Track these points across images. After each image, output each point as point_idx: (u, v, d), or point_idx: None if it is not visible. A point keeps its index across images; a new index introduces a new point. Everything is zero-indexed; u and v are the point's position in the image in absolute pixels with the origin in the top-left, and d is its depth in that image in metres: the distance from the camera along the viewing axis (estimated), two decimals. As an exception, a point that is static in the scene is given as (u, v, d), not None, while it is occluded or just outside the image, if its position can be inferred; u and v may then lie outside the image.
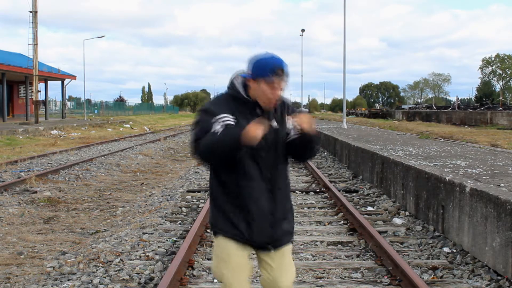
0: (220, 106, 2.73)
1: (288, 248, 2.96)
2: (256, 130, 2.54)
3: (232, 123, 2.67)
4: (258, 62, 2.70)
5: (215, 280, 4.82)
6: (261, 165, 2.78)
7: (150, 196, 10.10)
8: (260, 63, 2.69)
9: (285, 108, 2.86)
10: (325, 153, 17.56)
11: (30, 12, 31.37)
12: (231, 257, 2.82)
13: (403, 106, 79.27)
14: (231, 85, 2.80)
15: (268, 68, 2.66)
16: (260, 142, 2.63)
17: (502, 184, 5.93)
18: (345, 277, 5.00)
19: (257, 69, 2.69)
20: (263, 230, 2.79)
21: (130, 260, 5.48)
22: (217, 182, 2.84)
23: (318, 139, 2.86)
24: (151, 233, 6.65)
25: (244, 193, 2.76)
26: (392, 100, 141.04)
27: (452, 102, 73.78)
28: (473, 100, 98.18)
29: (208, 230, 6.59)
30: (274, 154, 2.81)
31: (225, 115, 2.68)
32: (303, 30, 56.90)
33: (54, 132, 28.03)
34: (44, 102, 44.65)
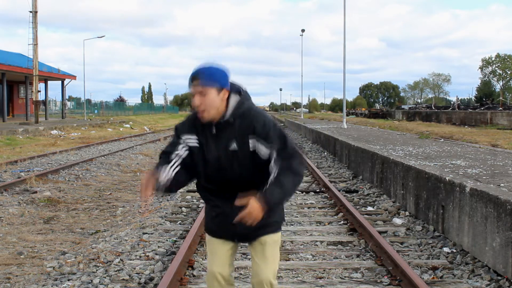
0: (185, 126, 2.87)
1: (269, 240, 2.94)
2: (143, 188, 2.76)
3: (195, 145, 2.82)
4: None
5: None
6: (216, 182, 2.87)
7: (150, 196, 10.08)
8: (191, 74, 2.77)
9: (249, 126, 2.73)
10: (325, 153, 17.56)
11: (30, 12, 31.38)
12: (214, 247, 3.04)
13: (403, 106, 79.28)
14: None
15: (190, 78, 2.73)
16: (217, 163, 2.78)
17: (502, 184, 5.93)
18: (345, 277, 5.00)
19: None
20: (225, 228, 2.92)
21: (130, 260, 5.48)
22: (198, 186, 3.04)
23: (281, 198, 2.75)
24: (151, 233, 6.65)
25: (209, 198, 2.97)
26: (392, 100, 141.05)
27: (452, 102, 73.76)
28: (473, 100, 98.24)
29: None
30: (231, 172, 2.80)
31: (188, 136, 2.84)
32: (303, 30, 56.84)
33: (54, 132, 28.03)
34: (44, 102, 44.64)
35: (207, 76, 2.68)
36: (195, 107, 2.71)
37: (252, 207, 2.62)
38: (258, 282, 2.96)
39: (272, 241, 2.96)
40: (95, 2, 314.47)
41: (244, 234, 2.93)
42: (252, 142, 2.73)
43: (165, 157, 2.87)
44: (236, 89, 2.77)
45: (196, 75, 2.68)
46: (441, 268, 5.22)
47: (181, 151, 2.84)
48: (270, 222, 2.91)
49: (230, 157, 2.76)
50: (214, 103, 2.69)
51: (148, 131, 35.01)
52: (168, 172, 2.77)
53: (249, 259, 5.20)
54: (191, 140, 2.84)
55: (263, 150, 2.73)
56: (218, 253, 3.03)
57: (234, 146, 2.74)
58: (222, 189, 2.87)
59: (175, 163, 2.82)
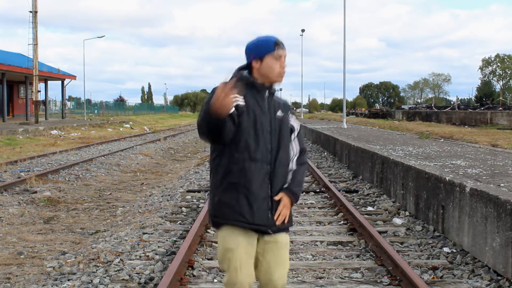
0: (236, 86, 2.67)
1: (284, 239, 2.95)
2: (222, 95, 2.46)
3: (241, 104, 2.73)
4: (260, 41, 2.86)
5: (215, 280, 4.83)
6: (267, 147, 2.83)
7: (150, 196, 10.10)
8: (263, 41, 2.86)
9: (285, 106, 3.01)
10: (325, 153, 17.56)
11: (30, 12, 31.37)
12: (240, 245, 2.81)
13: (403, 106, 79.29)
14: (238, 74, 2.85)
15: (271, 43, 2.84)
16: (263, 123, 2.80)
17: (502, 184, 5.93)
18: (345, 277, 5.00)
19: (262, 48, 2.84)
20: (262, 213, 2.81)
21: (130, 260, 5.48)
22: (220, 166, 2.82)
23: (300, 191, 3.03)
24: (151, 233, 6.65)
25: (245, 174, 2.77)
26: (392, 100, 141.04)
27: (452, 102, 73.78)
28: (473, 100, 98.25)
29: (209, 230, 6.60)
30: (279, 137, 2.88)
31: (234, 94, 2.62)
32: (303, 30, 56.80)
33: (54, 132, 28.03)
34: (44, 102, 44.65)
35: None
36: (282, 68, 2.86)
37: (287, 202, 2.89)
38: (269, 284, 2.90)
39: (287, 242, 2.99)
40: (94, 2, 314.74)
41: (276, 224, 2.87)
42: (289, 117, 2.99)
43: None
44: None
45: (281, 42, 2.89)
46: (441, 268, 5.22)
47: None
48: (290, 216, 2.98)
49: (277, 120, 2.88)
50: None
51: (148, 131, 35.01)
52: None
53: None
54: (238, 98, 2.70)
55: (296, 123, 3.02)
56: (248, 252, 2.83)
57: (280, 112, 2.92)
58: (267, 159, 2.81)
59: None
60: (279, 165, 2.86)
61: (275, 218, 2.83)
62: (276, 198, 2.83)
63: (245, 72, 2.87)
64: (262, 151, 2.80)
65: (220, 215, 2.83)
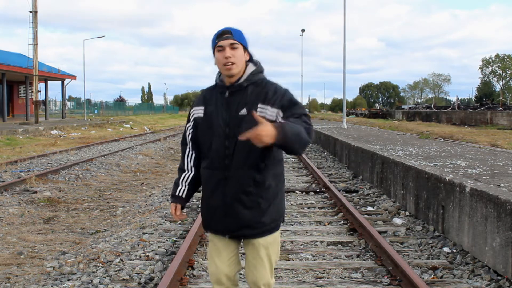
0: (197, 100, 2.94)
1: (261, 243, 2.83)
2: (174, 214, 2.95)
3: (200, 115, 2.86)
4: (212, 39, 2.79)
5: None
6: (220, 153, 2.75)
7: (150, 196, 10.10)
8: (212, 38, 2.78)
9: (260, 94, 2.72)
10: (325, 153, 17.56)
11: (30, 12, 31.38)
12: (215, 248, 2.92)
13: (403, 106, 79.26)
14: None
15: (214, 38, 2.76)
16: (217, 127, 2.76)
17: (502, 184, 5.93)
18: (345, 277, 5.00)
19: (212, 44, 2.78)
20: (218, 219, 2.83)
21: (130, 260, 5.48)
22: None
23: (295, 138, 2.51)
24: (151, 233, 6.65)
25: (204, 182, 2.89)
26: (392, 100, 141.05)
27: (452, 102, 73.76)
28: (473, 100, 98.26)
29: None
30: (236, 141, 2.68)
31: (194, 108, 2.91)
32: (303, 30, 56.88)
33: (54, 132, 28.04)
34: (44, 102, 44.66)
35: (238, 33, 2.75)
36: (225, 58, 2.69)
37: (264, 127, 2.41)
38: (252, 284, 2.90)
39: (268, 244, 2.85)
40: (93, 2, 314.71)
41: (236, 230, 2.80)
42: (260, 108, 2.69)
43: (181, 163, 3.01)
44: (254, 60, 2.84)
45: (228, 30, 2.74)
46: (441, 268, 5.22)
47: (189, 131, 2.95)
48: (267, 221, 2.80)
49: (238, 122, 2.69)
50: (242, 59, 2.75)
51: (148, 131, 35.01)
52: (183, 185, 2.95)
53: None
54: (198, 111, 2.88)
55: (269, 110, 2.67)
56: (221, 249, 2.90)
57: (243, 111, 2.70)
58: (224, 163, 2.74)
59: (189, 152, 2.96)
60: (235, 169, 2.71)
61: (239, 137, 2.57)
62: (242, 137, 2.50)
63: (219, 73, 2.84)
64: (215, 158, 2.76)
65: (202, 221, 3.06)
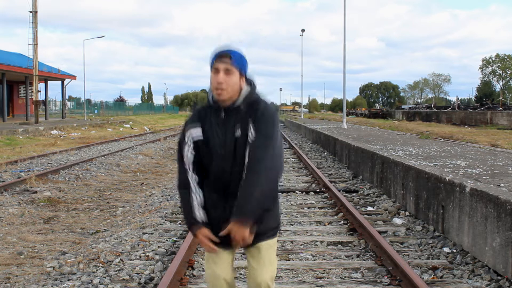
0: (191, 118, 2.83)
1: (265, 246, 2.87)
2: (206, 246, 2.78)
3: (199, 138, 2.76)
4: (210, 55, 2.73)
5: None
6: (217, 173, 2.77)
7: (150, 196, 10.10)
8: (210, 55, 2.72)
9: (253, 114, 2.71)
10: (325, 153, 17.56)
11: (30, 12, 31.37)
12: (214, 256, 2.89)
13: (403, 106, 79.23)
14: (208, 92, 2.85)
15: (213, 56, 2.70)
16: (215, 148, 2.73)
17: (502, 184, 5.93)
18: (345, 277, 5.00)
19: (210, 61, 2.72)
20: (217, 234, 2.80)
21: (130, 260, 5.48)
22: None
23: (262, 205, 2.68)
24: (151, 233, 6.65)
25: (206, 200, 2.83)
26: (392, 100, 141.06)
27: (452, 102, 73.75)
28: (473, 100, 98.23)
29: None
30: (233, 162, 2.73)
31: (191, 130, 2.78)
32: (303, 30, 56.77)
33: (54, 132, 28.04)
34: (44, 102, 44.66)
35: (238, 58, 2.69)
36: (217, 83, 2.65)
37: (234, 231, 2.65)
38: (255, 285, 2.92)
39: (268, 246, 2.90)
40: (93, 2, 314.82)
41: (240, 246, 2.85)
42: (251, 126, 2.70)
43: (185, 185, 2.82)
44: (248, 80, 2.80)
45: (228, 52, 2.67)
46: (441, 268, 5.22)
47: (190, 153, 2.80)
48: (265, 230, 2.85)
49: (233, 143, 2.71)
50: (235, 86, 2.69)
51: (148, 131, 35.01)
52: (199, 209, 2.80)
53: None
54: (195, 132, 2.78)
55: (251, 133, 2.69)
56: (220, 254, 2.90)
57: (238, 132, 2.71)
58: (222, 181, 2.77)
59: (192, 175, 2.81)
60: (234, 186, 2.73)
61: (220, 234, 2.73)
62: (222, 233, 2.70)
63: (211, 94, 2.78)
64: (216, 177, 2.78)
65: None
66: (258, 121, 2.68)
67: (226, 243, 2.79)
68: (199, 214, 2.78)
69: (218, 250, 2.85)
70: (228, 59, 2.65)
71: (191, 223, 2.79)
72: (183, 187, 2.82)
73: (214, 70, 2.67)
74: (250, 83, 2.79)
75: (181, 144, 2.83)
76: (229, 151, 2.72)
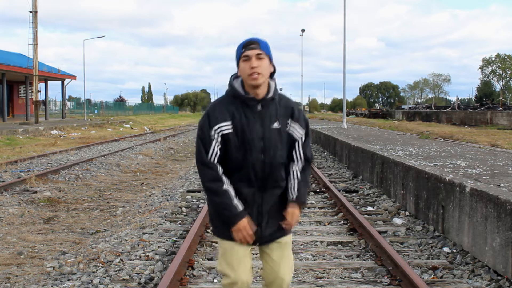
0: (218, 111, 2.77)
1: (286, 240, 2.97)
2: (244, 237, 2.78)
3: (229, 131, 2.73)
4: (237, 47, 2.79)
5: (215, 280, 4.83)
6: (257, 167, 2.78)
7: (150, 196, 10.10)
8: (238, 46, 2.78)
9: (287, 110, 2.84)
10: (325, 153, 17.56)
11: (30, 12, 31.36)
12: (236, 257, 2.88)
13: (403, 106, 79.23)
14: (230, 86, 2.82)
15: (241, 46, 2.75)
16: (252, 141, 2.74)
17: (502, 184, 5.93)
18: (345, 277, 5.00)
19: (237, 53, 2.77)
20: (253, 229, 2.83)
21: (130, 260, 5.48)
22: None
23: (307, 191, 2.98)
24: (151, 233, 6.65)
25: (239, 194, 2.80)
26: (392, 100, 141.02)
27: (452, 102, 73.75)
28: (473, 100, 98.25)
29: (208, 230, 6.60)
30: (273, 154, 2.79)
31: (221, 124, 2.73)
32: (303, 30, 56.76)
33: (54, 132, 28.03)
34: (44, 102, 44.65)
35: (265, 44, 2.76)
36: (251, 68, 2.68)
37: (295, 214, 2.86)
38: (276, 280, 2.94)
39: (290, 241, 3.00)
40: (93, 2, 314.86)
41: (269, 235, 2.90)
42: (289, 124, 2.84)
43: (216, 179, 2.76)
44: (274, 73, 2.86)
45: (255, 40, 2.75)
46: (441, 268, 5.22)
47: (216, 150, 2.75)
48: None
49: (273, 135, 2.78)
50: (267, 70, 2.74)
51: (148, 131, 35.00)
52: (237, 200, 2.79)
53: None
54: (224, 127, 2.74)
55: (298, 132, 2.87)
56: (242, 257, 2.89)
57: (276, 124, 2.78)
58: (260, 176, 2.79)
59: (219, 168, 2.78)
60: (272, 180, 2.82)
61: (284, 226, 2.88)
62: (286, 214, 2.86)
63: (238, 83, 2.79)
64: (251, 171, 2.77)
65: (217, 229, 2.97)
66: (299, 119, 2.87)
67: (261, 238, 2.88)
68: (239, 203, 2.76)
69: (238, 250, 2.86)
70: (257, 45, 2.72)
71: (234, 214, 2.74)
72: (215, 181, 2.75)
73: (244, 58, 2.71)
74: (273, 78, 2.88)
75: (205, 139, 2.75)
76: (269, 144, 2.77)
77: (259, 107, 2.77)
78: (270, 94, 2.78)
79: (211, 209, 2.94)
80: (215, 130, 2.74)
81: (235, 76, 2.83)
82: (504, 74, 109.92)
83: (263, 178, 2.80)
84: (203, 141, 2.76)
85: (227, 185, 2.76)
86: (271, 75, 2.81)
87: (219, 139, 2.74)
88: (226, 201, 2.74)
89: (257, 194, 2.81)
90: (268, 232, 2.88)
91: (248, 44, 2.72)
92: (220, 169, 2.77)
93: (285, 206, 2.88)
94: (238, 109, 2.76)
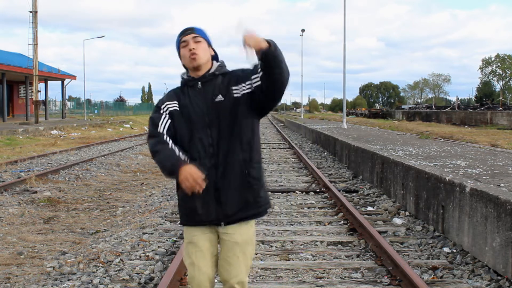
0: (165, 97, 2.92)
1: (238, 236, 2.87)
2: (193, 184, 2.62)
3: (175, 108, 2.83)
4: (175, 41, 2.89)
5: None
6: (205, 142, 2.78)
7: (150, 196, 10.10)
8: (175, 41, 2.88)
9: (231, 79, 2.83)
10: (325, 153, 17.56)
11: (30, 12, 31.37)
12: (198, 250, 2.90)
13: (403, 106, 79.29)
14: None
15: (177, 37, 2.86)
16: (195, 118, 2.77)
17: (502, 184, 5.93)
18: (345, 277, 5.00)
19: (176, 46, 2.88)
20: (211, 209, 2.81)
21: (130, 260, 5.48)
22: None
23: (275, 51, 2.58)
24: (151, 233, 6.65)
25: None
26: (392, 100, 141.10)
27: (452, 102, 73.75)
28: (473, 100, 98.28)
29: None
30: (219, 127, 2.77)
31: (167, 102, 2.86)
32: (303, 30, 56.71)
33: (54, 132, 28.03)
34: (44, 102, 44.66)
35: (200, 30, 2.87)
36: (189, 50, 2.77)
37: (247, 36, 2.57)
38: (227, 280, 2.89)
39: (245, 237, 2.89)
40: (93, 2, 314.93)
41: (234, 215, 2.81)
42: (234, 89, 2.80)
43: (160, 142, 2.79)
44: (217, 58, 2.93)
45: (190, 28, 2.85)
46: (441, 268, 5.22)
47: (165, 123, 2.83)
48: (260, 201, 2.87)
49: (216, 108, 2.78)
50: (206, 51, 2.83)
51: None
52: (182, 154, 2.77)
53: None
54: (171, 105, 2.85)
55: (244, 85, 2.78)
56: (205, 251, 2.89)
57: (219, 97, 2.80)
58: (210, 151, 2.77)
59: (166, 137, 2.81)
60: (224, 155, 2.77)
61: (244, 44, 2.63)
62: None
63: (184, 73, 2.92)
64: (200, 147, 2.78)
65: (180, 215, 3.05)
66: (244, 75, 2.79)
67: (213, 214, 2.82)
68: (183, 155, 2.74)
69: (203, 241, 2.88)
70: (191, 31, 2.83)
71: (177, 160, 2.70)
72: (159, 143, 2.78)
73: (183, 43, 2.81)
74: (219, 61, 2.92)
75: (154, 118, 2.85)
76: (213, 118, 2.78)
77: (199, 85, 2.83)
78: (212, 70, 2.84)
79: (178, 196, 2.95)
80: (162, 108, 2.86)
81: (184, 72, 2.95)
82: (504, 74, 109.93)
83: (214, 154, 2.77)
84: (153, 120, 2.86)
85: (173, 145, 2.78)
86: (215, 59, 2.90)
87: (168, 115, 2.84)
88: (168, 153, 2.74)
89: (211, 170, 2.76)
90: (231, 209, 2.80)
91: (184, 31, 2.83)
92: (167, 137, 2.80)
93: (249, 182, 2.82)
94: (184, 92, 2.87)
